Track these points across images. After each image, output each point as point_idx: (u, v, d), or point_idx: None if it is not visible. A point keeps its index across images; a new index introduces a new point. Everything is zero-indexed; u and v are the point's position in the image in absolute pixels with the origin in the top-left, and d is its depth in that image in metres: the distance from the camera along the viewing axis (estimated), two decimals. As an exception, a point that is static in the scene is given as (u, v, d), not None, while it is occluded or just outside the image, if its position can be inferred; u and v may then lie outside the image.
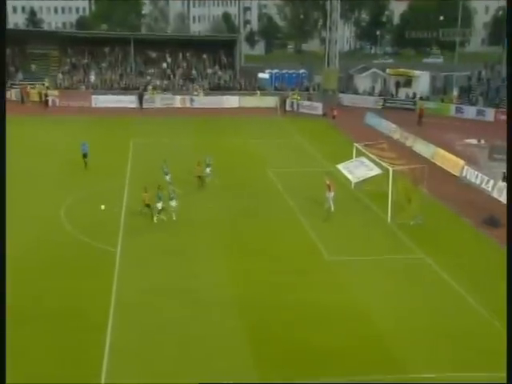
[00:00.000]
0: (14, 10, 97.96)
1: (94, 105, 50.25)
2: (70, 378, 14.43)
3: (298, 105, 50.84)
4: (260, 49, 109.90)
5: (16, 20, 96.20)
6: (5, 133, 18.45)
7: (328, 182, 25.65)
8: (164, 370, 14.80)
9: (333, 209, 25.37)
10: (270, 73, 59.34)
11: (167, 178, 27.36)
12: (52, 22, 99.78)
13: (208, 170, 28.89)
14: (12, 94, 50.76)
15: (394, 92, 55.15)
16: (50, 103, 49.42)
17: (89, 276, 19.57)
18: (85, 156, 30.93)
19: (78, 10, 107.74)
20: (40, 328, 16.47)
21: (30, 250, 21.36)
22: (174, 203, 23.96)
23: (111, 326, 16.56)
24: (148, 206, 23.85)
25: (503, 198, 27.90)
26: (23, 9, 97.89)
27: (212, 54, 59.41)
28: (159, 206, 23.62)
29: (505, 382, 12.02)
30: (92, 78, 54.97)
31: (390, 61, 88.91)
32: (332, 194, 25.41)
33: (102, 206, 24.62)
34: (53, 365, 14.95)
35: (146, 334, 16.34)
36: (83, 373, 14.62)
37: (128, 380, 14.35)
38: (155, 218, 23.75)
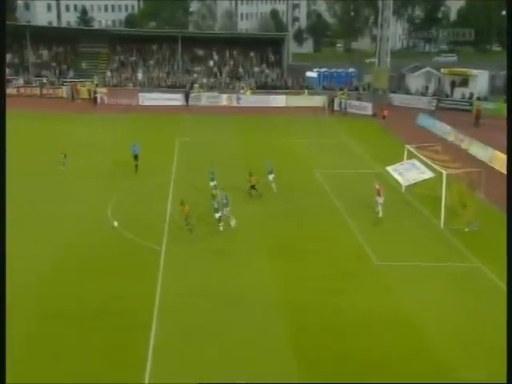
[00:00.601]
0: (67, 8, 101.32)
1: (141, 102, 51.27)
2: (115, 376, 14.78)
3: (346, 104, 50.37)
4: (308, 47, 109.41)
5: (68, 18, 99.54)
6: (5, 132, 18.53)
7: (378, 187, 25.35)
8: (205, 370, 14.93)
9: (381, 214, 25.04)
10: (318, 71, 59.01)
11: (212, 183, 26.60)
12: (102, 19, 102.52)
13: (271, 177, 27.81)
14: (63, 92, 52.44)
15: (448, 92, 53.87)
16: (98, 100, 50.73)
17: (134, 275, 19.96)
18: (135, 158, 30.82)
19: (127, 7, 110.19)
20: (86, 326, 16.93)
21: (77, 248, 21.96)
22: (226, 211, 23.61)
23: (155, 326, 16.85)
24: (186, 219, 23.23)
25: None
26: (75, 7, 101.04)
27: (259, 51, 59.58)
28: (217, 215, 23.24)
29: (505, 381, 11.91)
30: (139, 75, 56.11)
31: (453, 58, 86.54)
32: (382, 198, 25.09)
33: (115, 223, 23.47)
34: (98, 363, 15.32)
35: (190, 335, 16.54)
36: (127, 372, 14.94)
37: (171, 380, 14.59)
38: (221, 227, 23.25)
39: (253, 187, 27.22)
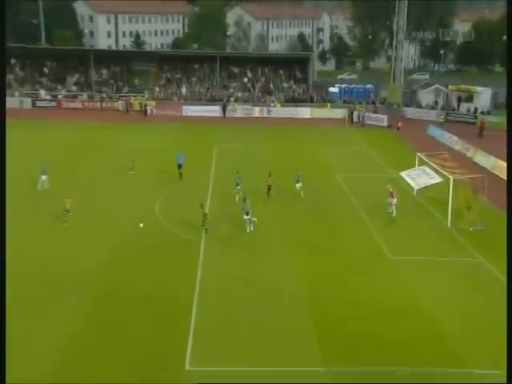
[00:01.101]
0: (124, 34, 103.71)
1: (184, 114, 51.67)
2: (158, 355, 14.92)
3: (364, 117, 49.82)
4: (331, 65, 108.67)
5: (124, 42, 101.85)
6: (5, 135, 18.26)
7: (391, 190, 25.03)
8: (238, 352, 14.86)
9: (394, 214, 24.70)
10: (339, 87, 58.54)
11: (237, 188, 26.17)
12: (152, 42, 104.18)
13: (298, 185, 27.15)
14: (119, 105, 53.37)
15: (455, 106, 52.78)
16: (148, 112, 51.35)
17: (177, 263, 20.13)
18: (179, 167, 29.88)
19: (173, 32, 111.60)
20: (135, 308, 17.15)
21: (132, 238, 22.25)
22: (246, 216, 22.72)
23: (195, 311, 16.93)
24: (204, 220, 22.47)
25: None
26: (130, 33, 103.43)
27: (288, 69, 59.45)
28: (246, 218, 22.68)
29: (505, 381, 11.41)
30: (183, 90, 56.58)
31: (425, 76, 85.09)
32: (395, 200, 24.76)
33: (141, 225, 22.88)
34: (142, 341, 15.46)
35: (226, 319, 16.57)
36: (170, 349, 15.05)
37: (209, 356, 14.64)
38: (248, 229, 22.70)
39: (269, 188, 26.66)
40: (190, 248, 21.40)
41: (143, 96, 53.85)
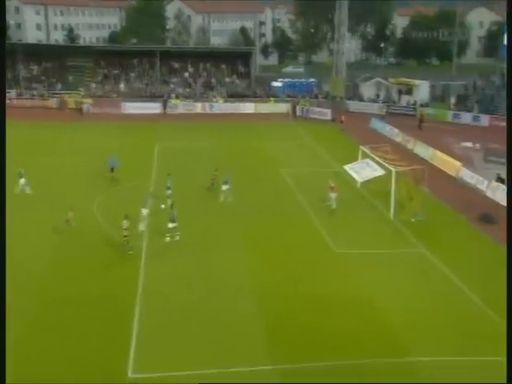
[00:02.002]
0: (55, 27, 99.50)
1: (123, 111, 50.44)
2: (99, 361, 14.48)
3: (307, 110, 50.52)
4: (274, 59, 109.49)
5: (56, 37, 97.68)
6: (5, 134, 18.01)
7: (332, 185, 25.62)
8: (184, 356, 14.70)
9: (334, 206, 25.25)
10: (282, 81, 59.10)
11: (168, 192, 25.19)
12: (87, 37, 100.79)
13: (225, 187, 26.10)
14: (52, 103, 51.26)
15: (396, 99, 54.56)
16: (84, 110, 49.73)
17: (118, 265, 19.61)
18: (112, 170, 28.86)
19: (109, 26, 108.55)
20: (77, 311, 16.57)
21: (66, 242, 21.44)
22: (171, 225, 21.40)
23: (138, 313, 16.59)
24: (126, 236, 20.42)
25: (497, 197, 27.48)
26: (62, 26, 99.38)
27: (230, 64, 59.34)
28: (171, 226, 21.38)
29: (505, 381, 11.60)
30: (122, 86, 55.23)
31: (300, 69, 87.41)
32: (335, 194, 25.35)
33: (163, 206, 23.86)
34: (83, 347, 15.01)
35: (170, 321, 16.32)
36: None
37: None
38: (168, 239, 21.35)
39: (212, 183, 26.96)
40: (131, 250, 20.84)
41: (78, 93, 52.05)
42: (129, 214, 21.08)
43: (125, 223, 20.37)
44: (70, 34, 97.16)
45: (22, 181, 26.60)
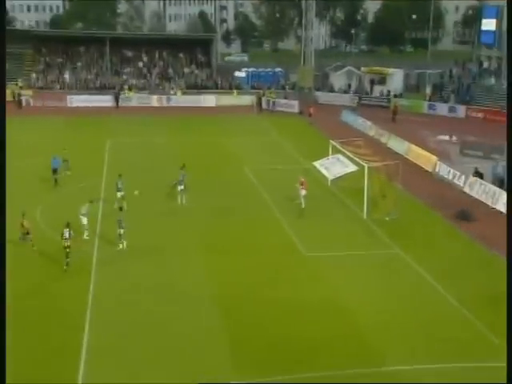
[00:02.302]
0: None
1: (69, 104, 49.69)
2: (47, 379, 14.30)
3: (274, 103, 50.93)
4: (236, 47, 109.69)
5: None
6: (5, 133, 17.88)
7: (302, 179, 25.88)
8: (140, 369, 14.69)
9: (303, 206, 25.52)
10: (246, 71, 59.41)
11: (119, 194, 24.97)
12: (25, 20, 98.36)
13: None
14: (-16, 95, 49.87)
15: (368, 90, 55.58)
16: (23, 103, 48.67)
17: (67, 274, 19.37)
18: (54, 172, 28.42)
19: (51, 8, 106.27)
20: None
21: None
22: (121, 231, 21.18)
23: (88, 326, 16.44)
24: (27, 233, 20.95)
25: (474, 193, 28.38)
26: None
27: (188, 52, 59.20)
28: (119, 231, 21.17)
29: (505, 381, 11.94)
30: (67, 77, 54.33)
31: (244, 57, 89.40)
32: (305, 192, 25.62)
33: (136, 192, 24.92)
34: (30, 363, 14.82)
35: (124, 332, 16.24)
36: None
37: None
38: (120, 246, 21.18)
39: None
40: (79, 259, 20.60)
41: (16, 84, 50.89)
42: (73, 221, 20.76)
43: (65, 232, 19.59)
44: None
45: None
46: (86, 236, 22.13)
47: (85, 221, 22.28)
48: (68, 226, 19.91)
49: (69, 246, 19.64)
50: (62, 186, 28.47)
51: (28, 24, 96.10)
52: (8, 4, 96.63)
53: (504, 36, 48.77)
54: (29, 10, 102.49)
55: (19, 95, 49.03)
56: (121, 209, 22.75)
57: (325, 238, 23.25)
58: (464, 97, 50.80)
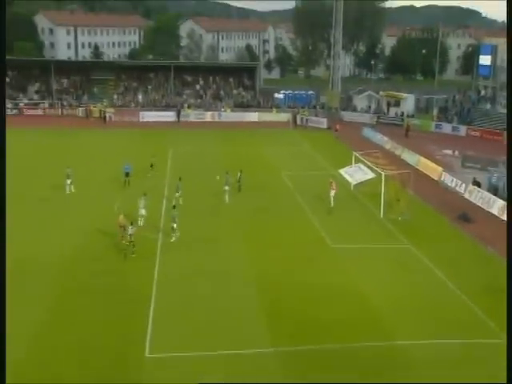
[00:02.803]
0: (83, 45, 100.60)
1: (141, 119, 50.63)
2: (119, 344, 14.60)
3: (306, 120, 50.60)
4: (276, 73, 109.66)
5: (84, 53, 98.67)
6: (5, 136, 17.84)
7: (331, 181, 25.86)
8: (194, 338, 14.75)
9: (332, 204, 25.21)
10: (284, 93, 59.17)
11: (177, 194, 24.93)
12: (110, 53, 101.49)
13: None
14: (79, 112, 51.70)
15: (385, 110, 54.58)
16: (107, 119, 49.97)
17: (135, 258, 19.73)
18: (126, 175, 28.32)
19: (130, 43, 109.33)
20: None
21: (91, 238, 21.58)
22: (175, 225, 20.91)
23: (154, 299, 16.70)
24: (124, 229, 19.45)
25: (473, 199, 27.65)
26: (89, 44, 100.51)
27: (237, 77, 59.50)
28: (174, 225, 20.85)
29: (505, 381, 11.36)
30: (140, 97, 55.46)
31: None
32: (334, 192, 25.40)
33: (218, 177, 25.83)
34: (105, 332, 15.14)
35: (182, 308, 16.43)
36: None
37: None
38: (173, 238, 20.87)
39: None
40: (146, 246, 20.85)
41: (102, 103, 52.32)
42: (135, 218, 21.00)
43: (129, 229, 19.18)
44: (96, 51, 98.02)
45: (68, 181, 26.68)
46: (140, 223, 21.88)
47: (143, 212, 22.31)
48: (131, 223, 19.56)
49: (132, 240, 19.17)
50: (133, 187, 28.38)
51: (112, 56, 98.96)
52: (98, 41, 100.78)
53: (498, 69, 48.52)
54: (113, 45, 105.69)
55: (104, 112, 50.38)
56: (174, 207, 22.13)
57: (348, 232, 22.99)
58: (465, 118, 49.38)
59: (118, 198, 25.15)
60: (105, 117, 49.86)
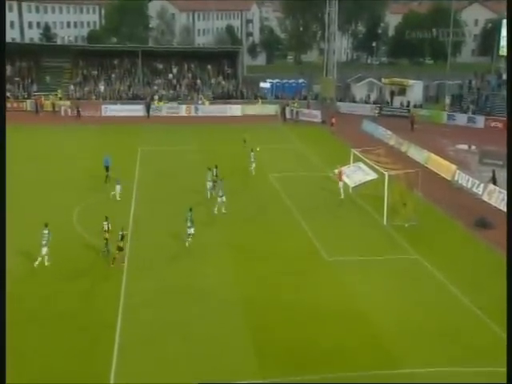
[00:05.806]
0: (30, 25, 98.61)
1: (103, 114, 50.37)
2: (82, 373, 14.48)
3: (297, 113, 50.84)
4: (261, 59, 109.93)
5: (32, 35, 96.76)
6: (5, 136, 18.03)
7: (337, 171, 27.66)
8: (168, 366, 14.75)
9: (342, 196, 27.24)
10: (270, 82, 59.33)
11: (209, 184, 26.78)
12: (65, 36, 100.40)
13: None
14: (27, 105, 50.96)
15: (389, 100, 55.07)
16: (62, 113, 49.57)
17: (99, 276, 19.59)
18: (107, 169, 29.81)
19: (89, 24, 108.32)
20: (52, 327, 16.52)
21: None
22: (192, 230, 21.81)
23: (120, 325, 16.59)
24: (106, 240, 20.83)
25: (493, 201, 27.86)
26: (38, 24, 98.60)
27: (216, 64, 59.53)
28: (191, 231, 21.74)
29: (505, 381, 11.78)
30: (102, 88, 55.14)
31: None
32: (341, 183, 27.41)
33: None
34: (66, 360, 15.00)
35: (154, 332, 16.33)
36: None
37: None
38: (187, 243, 21.80)
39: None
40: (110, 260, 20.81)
41: (56, 95, 51.88)
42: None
43: (105, 225, 20.96)
44: (47, 32, 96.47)
45: (118, 188, 27.25)
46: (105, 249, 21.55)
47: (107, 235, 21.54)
48: (107, 219, 21.05)
49: (107, 239, 20.72)
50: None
51: (67, 39, 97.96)
52: (50, 21, 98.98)
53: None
54: (68, 26, 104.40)
55: (58, 105, 49.93)
56: (190, 209, 22.07)
57: (346, 243, 23.08)
58: (483, 107, 49.96)
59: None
60: (59, 111, 49.28)
